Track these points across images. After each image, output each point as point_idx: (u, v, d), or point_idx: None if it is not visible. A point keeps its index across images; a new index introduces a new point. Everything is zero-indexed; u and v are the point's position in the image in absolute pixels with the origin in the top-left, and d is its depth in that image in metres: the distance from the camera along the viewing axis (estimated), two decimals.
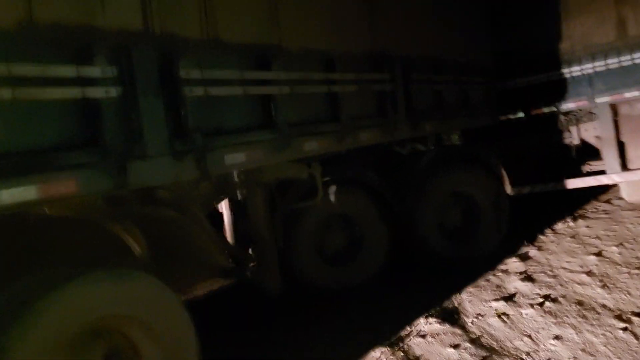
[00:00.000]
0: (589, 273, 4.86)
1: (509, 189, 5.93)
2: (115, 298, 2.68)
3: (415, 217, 5.48)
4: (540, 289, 4.63)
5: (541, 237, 6.29)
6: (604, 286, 4.51)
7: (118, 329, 2.82)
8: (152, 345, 2.85)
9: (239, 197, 4.20)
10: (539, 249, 5.84)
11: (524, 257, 5.58)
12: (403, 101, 4.84)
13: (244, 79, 3.32)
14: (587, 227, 6.50)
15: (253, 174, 4.06)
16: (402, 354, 3.78)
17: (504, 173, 5.95)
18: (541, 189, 6.97)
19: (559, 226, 6.69)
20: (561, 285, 4.67)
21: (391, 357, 3.76)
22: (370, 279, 5.28)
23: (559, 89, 7.08)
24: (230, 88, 3.24)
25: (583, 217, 6.96)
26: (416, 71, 5.01)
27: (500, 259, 5.57)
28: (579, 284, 4.65)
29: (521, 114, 7.59)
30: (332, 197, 5.08)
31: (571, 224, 6.74)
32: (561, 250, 5.68)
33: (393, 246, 5.43)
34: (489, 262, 5.47)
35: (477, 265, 5.43)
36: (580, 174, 7.01)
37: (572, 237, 6.14)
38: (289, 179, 4.35)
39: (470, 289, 4.86)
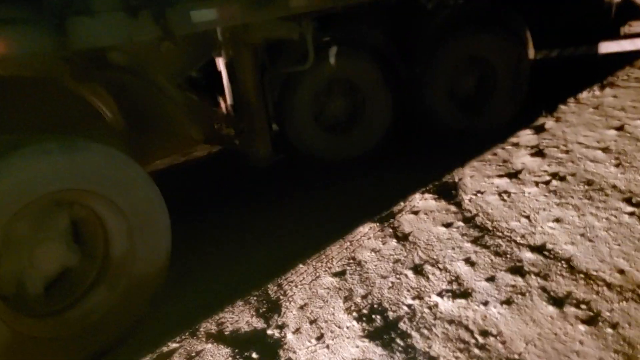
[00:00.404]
0: (606, 149, 4.49)
1: (531, 54, 5.35)
2: (68, 172, 2.48)
3: (423, 83, 5.05)
4: (549, 166, 4.32)
5: (562, 106, 5.82)
6: (618, 165, 4.17)
7: (80, 202, 2.67)
8: (116, 219, 2.71)
9: (225, 58, 3.80)
10: (557, 120, 5.42)
11: (539, 129, 5.20)
12: None
13: None
14: (614, 96, 5.97)
15: (238, 33, 3.63)
16: (391, 230, 3.64)
17: (529, 36, 5.32)
18: (571, 52, 6.34)
19: (583, 95, 6.17)
20: (572, 162, 4.35)
21: (379, 232, 3.62)
22: (372, 149, 5.04)
23: None
24: None
25: (612, 85, 6.39)
26: None
27: (514, 130, 5.20)
28: (592, 161, 4.32)
29: None
30: (332, 60, 4.64)
31: (597, 92, 6.21)
32: (580, 123, 5.26)
33: (398, 114, 5.08)
34: (500, 134, 5.13)
35: (488, 137, 5.10)
36: (617, 37, 6.31)
37: (596, 107, 5.66)
38: (279, 40, 3.89)
39: (474, 162, 4.58)
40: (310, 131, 4.82)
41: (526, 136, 5.07)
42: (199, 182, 4.95)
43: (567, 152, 4.57)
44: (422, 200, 3.97)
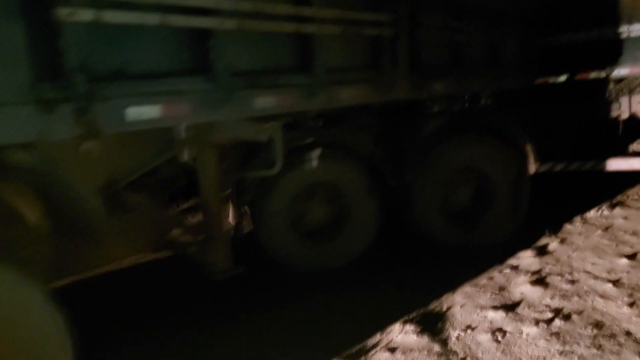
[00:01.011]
0: (617, 282, 3.93)
1: (533, 168, 4.94)
2: None
3: (413, 194, 4.61)
4: (552, 299, 3.74)
5: (568, 226, 5.33)
6: (632, 304, 3.59)
7: None
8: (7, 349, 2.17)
9: (186, 158, 3.40)
10: (562, 241, 4.90)
11: (542, 251, 4.67)
12: (406, 51, 3.87)
13: (163, 3, 2.44)
14: (625, 218, 5.48)
15: (201, 132, 3.26)
16: None
17: (530, 149, 4.94)
18: (577, 167, 5.96)
19: (591, 214, 5.70)
20: (579, 296, 3.78)
21: None
22: (354, 261, 4.51)
23: (612, 51, 5.92)
24: (140, 14, 2.37)
25: (622, 205, 5.93)
26: (428, 13, 4.00)
27: (513, 251, 4.68)
28: (601, 296, 3.74)
29: (563, 78, 6.48)
30: (314, 164, 4.24)
31: (606, 212, 5.74)
32: (588, 246, 4.73)
33: (385, 225, 4.61)
34: (498, 254, 4.61)
35: (484, 256, 4.58)
36: (625, 154, 5.95)
37: (605, 229, 5.16)
38: (248, 142, 3.51)
39: (467, 288, 4.02)
40: (286, 238, 4.34)
41: (527, 259, 4.53)
42: (144, 291, 4.34)
43: (572, 282, 4.00)
44: (402, 334, 3.38)
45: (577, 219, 5.57)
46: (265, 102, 2.94)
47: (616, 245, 4.73)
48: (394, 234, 4.91)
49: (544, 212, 5.69)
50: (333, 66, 3.32)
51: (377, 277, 4.35)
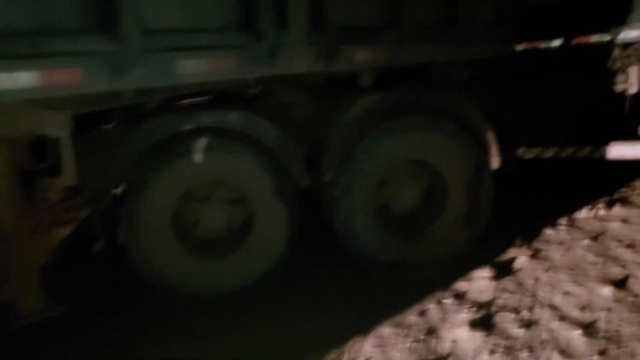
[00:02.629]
0: (589, 328, 2.87)
1: (495, 163, 3.81)
2: None
3: (334, 196, 3.57)
4: (491, 354, 2.71)
5: (548, 231, 4.24)
6: None
7: None
8: None
9: None
10: (535, 255, 3.82)
11: (503, 271, 3.61)
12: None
13: None
14: (624, 221, 4.36)
15: None
16: None
17: (491, 139, 3.80)
18: (572, 154, 4.81)
19: (582, 214, 4.59)
20: (531, 350, 2.73)
21: None
22: (258, 281, 3.53)
23: (619, 9, 4.70)
24: None
25: (624, 202, 4.79)
26: None
27: (467, 268, 3.63)
28: (562, 352, 2.70)
29: (556, 43, 5.26)
30: (199, 157, 3.24)
31: (601, 212, 4.61)
32: (566, 264, 3.65)
33: (301, 234, 3.59)
34: (445, 274, 3.57)
35: (426, 278, 3.54)
36: (631, 137, 4.78)
37: (594, 238, 4.05)
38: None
39: (385, 328, 3.01)
40: (166, 253, 3.37)
41: (481, 281, 3.48)
42: None
43: (529, 324, 2.96)
44: None
45: (563, 220, 4.47)
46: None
47: (603, 263, 3.64)
48: (318, 246, 3.88)
49: (524, 210, 4.61)
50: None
51: (277, 309, 3.35)
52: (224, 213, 3.55)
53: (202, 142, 3.25)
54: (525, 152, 4.89)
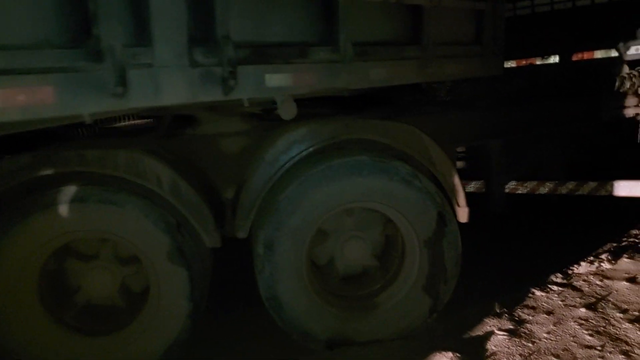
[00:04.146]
0: None
1: (463, 216, 2.98)
2: None
3: (256, 254, 2.79)
4: None
5: (537, 292, 3.42)
6: None
7: None
8: None
9: None
10: (514, 331, 3.00)
11: (471, 355, 2.79)
12: None
13: None
14: (631, 280, 3.53)
15: None
16: None
17: (457, 184, 2.97)
18: (571, 191, 4.03)
19: (581, 269, 3.77)
20: None
21: None
22: None
23: (627, 21, 3.95)
24: None
25: (633, 252, 3.95)
26: None
27: (426, 349, 2.82)
28: None
29: (553, 59, 4.45)
30: (65, 211, 2.49)
31: (605, 265, 3.78)
32: (552, 348, 2.83)
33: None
34: (398, 356, 2.78)
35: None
36: None
37: (593, 305, 3.23)
38: None
39: None
40: (33, 330, 2.62)
41: None
42: None
43: None
44: None
45: (557, 277, 3.64)
46: None
47: (602, 347, 2.81)
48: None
49: (510, 262, 3.79)
50: None
51: None
52: (115, 275, 2.79)
53: (69, 191, 2.50)
54: (515, 188, 4.12)
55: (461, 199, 2.92)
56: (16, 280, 2.57)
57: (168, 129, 3.21)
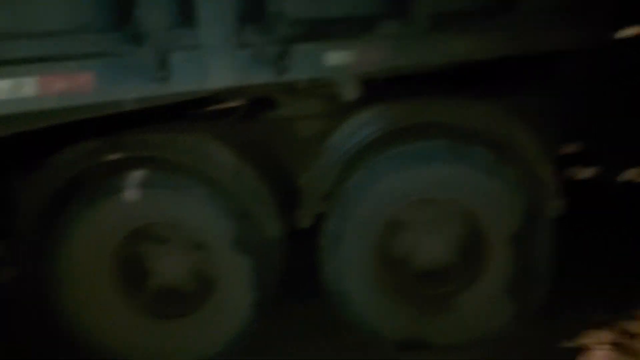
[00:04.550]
0: None
1: (557, 207, 2.57)
2: None
3: (322, 246, 2.64)
4: None
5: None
6: None
7: None
8: None
9: None
10: (619, 348, 2.56)
11: None
12: None
13: None
14: None
15: None
16: None
17: (551, 172, 2.56)
18: None
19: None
20: None
21: None
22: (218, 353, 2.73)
23: None
24: None
25: None
26: None
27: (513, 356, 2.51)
28: None
29: None
30: (132, 197, 2.52)
31: None
32: None
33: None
34: None
35: None
36: None
37: None
38: None
39: None
40: (108, 312, 2.71)
41: None
42: None
43: None
44: None
45: (607, 334, 3.02)
46: None
47: None
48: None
49: (627, 263, 3.27)
50: None
51: None
52: (182, 262, 2.79)
53: (135, 177, 2.51)
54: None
55: (555, 190, 2.52)
56: (88, 265, 2.64)
57: (248, 112, 3.13)
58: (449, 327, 2.69)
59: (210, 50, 1.90)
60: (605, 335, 2.65)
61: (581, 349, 2.58)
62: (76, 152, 2.51)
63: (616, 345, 2.57)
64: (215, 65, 1.92)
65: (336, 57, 2.21)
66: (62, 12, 1.67)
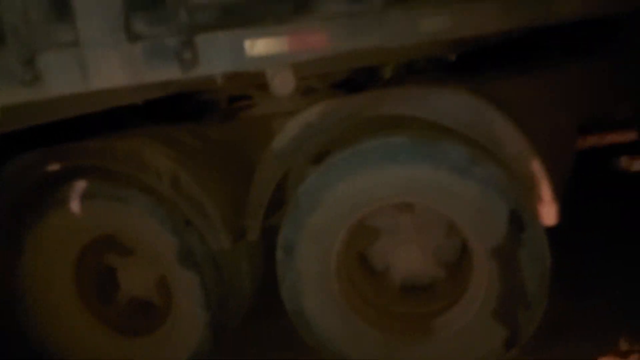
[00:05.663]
0: None
1: (550, 216, 2.08)
2: None
3: (277, 259, 2.36)
4: None
5: None
6: None
7: None
8: None
9: None
10: None
11: None
12: None
13: None
14: None
15: None
16: None
17: (539, 170, 2.07)
18: None
19: None
20: None
21: None
22: None
23: None
24: None
25: None
26: None
27: None
28: None
29: None
30: (78, 208, 2.39)
31: None
32: None
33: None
34: None
35: None
36: None
37: None
38: None
39: None
40: (73, 326, 2.62)
41: None
42: None
43: None
44: None
45: None
46: None
47: None
48: None
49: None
50: None
51: None
52: (139, 276, 2.63)
53: (79, 187, 2.37)
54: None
55: (544, 192, 2.05)
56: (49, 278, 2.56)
57: (226, 111, 2.94)
58: (426, 353, 2.29)
59: (90, 46, 1.69)
60: None
61: None
62: (17, 164, 2.43)
63: None
64: (97, 64, 1.71)
65: (259, 47, 1.91)
66: None
